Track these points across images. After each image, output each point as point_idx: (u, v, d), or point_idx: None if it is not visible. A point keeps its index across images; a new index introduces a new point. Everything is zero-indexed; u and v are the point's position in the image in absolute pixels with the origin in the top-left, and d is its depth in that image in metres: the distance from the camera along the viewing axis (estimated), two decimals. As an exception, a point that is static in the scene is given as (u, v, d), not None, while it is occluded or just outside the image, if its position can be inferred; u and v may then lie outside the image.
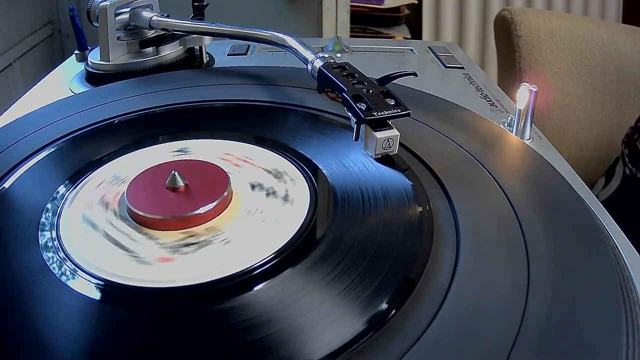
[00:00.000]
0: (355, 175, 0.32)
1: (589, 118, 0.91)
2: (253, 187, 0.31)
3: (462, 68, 0.57)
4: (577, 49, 0.90)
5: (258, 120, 0.39)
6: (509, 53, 0.91)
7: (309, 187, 0.31)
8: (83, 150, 0.36)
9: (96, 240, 0.27)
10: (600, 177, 0.83)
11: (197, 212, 0.28)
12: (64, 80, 0.53)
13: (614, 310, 0.23)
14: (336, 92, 0.35)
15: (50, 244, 0.27)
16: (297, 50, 0.42)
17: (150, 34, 0.53)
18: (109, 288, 0.24)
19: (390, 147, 0.32)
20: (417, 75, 0.38)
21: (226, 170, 0.31)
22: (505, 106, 0.47)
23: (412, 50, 0.63)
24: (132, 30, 0.53)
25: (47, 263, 0.26)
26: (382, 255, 0.25)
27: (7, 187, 0.32)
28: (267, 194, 0.30)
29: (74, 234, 0.28)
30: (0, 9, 1.02)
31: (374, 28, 1.41)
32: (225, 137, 0.36)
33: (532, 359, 0.21)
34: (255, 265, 0.25)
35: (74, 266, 0.26)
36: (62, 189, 0.32)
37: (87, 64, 0.52)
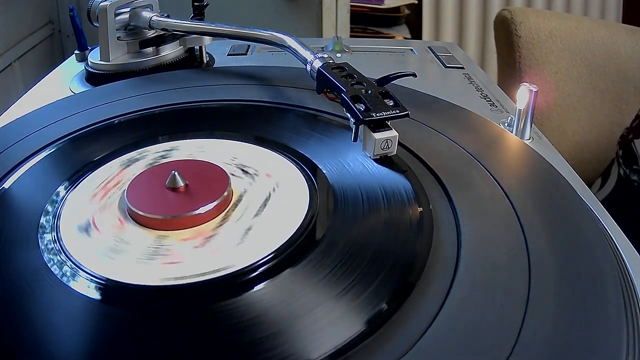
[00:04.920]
0: (355, 175, 0.32)
1: (589, 118, 0.91)
2: (251, 184, 0.31)
3: (462, 68, 0.57)
4: (577, 49, 0.90)
5: (258, 120, 0.39)
6: (509, 53, 0.91)
7: (308, 187, 0.31)
8: (83, 151, 0.36)
9: (96, 240, 0.27)
10: (597, 178, 0.83)
11: (197, 212, 0.28)
12: (64, 80, 0.53)
13: (615, 311, 0.23)
14: (335, 93, 0.35)
15: (50, 245, 0.27)
16: (296, 51, 0.42)
17: (150, 34, 0.53)
18: (108, 288, 0.24)
19: (389, 148, 0.32)
20: (416, 76, 0.38)
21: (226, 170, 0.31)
22: (505, 106, 0.47)
23: (412, 50, 0.63)
24: (132, 30, 0.53)
25: (47, 264, 0.26)
26: (382, 256, 0.25)
27: (7, 187, 0.32)
28: (266, 196, 0.31)
29: (74, 234, 0.28)
30: (0, 9, 1.02)
31: (374, 28, 1.41)
32: (225, 137, 0.36)
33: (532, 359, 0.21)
34: (255, 265, 0.25)
35: (74, 266, 0.26)
36: (62, 189, 0.32)
37: (87, 64, 0.52)
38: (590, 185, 0.82)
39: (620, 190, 0.75)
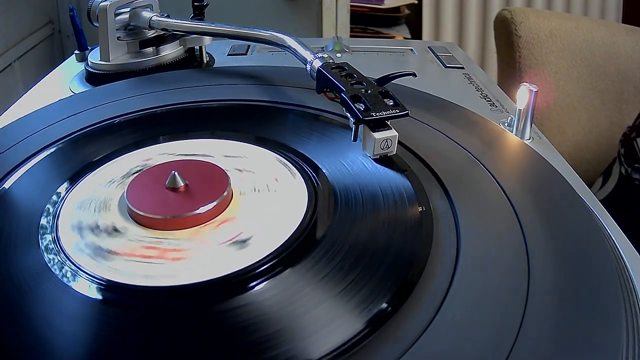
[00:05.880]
0: (355, 175, 0.32)
1: (589, 118, 0.91)
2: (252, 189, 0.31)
3: (462, 68, 0.57)
4: (577, 49, 0.90)
5: (258, 120, 0.39)
6: (509, 53, 0.91)
7: (308, 187, 0.31)
8: (83, 151, 0.36)
9: (96, 240, 0.27)
10: (598, 176, 0.83)
11: (197, 212, 0.28)
12: (64, 80, 0.53)
13: (614, 310, 0.23)
14: (335, 93, 0.35)
15: (50, 245, 0.27)
16: (296, 51, 0.42)
17: (150, 34, 0.53)
18: (108, 288, 0.24)
19: (388, 147, 0.32)
20: (416, 76, 0.38)
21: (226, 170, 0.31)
22: (505, 106, 0.47)
23: (412, 50, 0.63)
24: (132, 30, 0.53)
25: (48, 264, 0.26)
26: (382, 255, 0.25)
27: (7, 187, 0.32)
28: (266, 196, 0.31)
29: (74, 235, 0.28)
30: (0, 9, 1.02)
31: (374, 28, 1.41)
32: (225, 137, 0.36)
33: (532, 359, 0.21)
34: (256, 265, 0.25)
35: (74, 267, 0.26)
36: (62, 190, 0.32)
37: (87, 64, 0.52)
38: (590, 185, 0.82)
39: (621, 188, 0.75)
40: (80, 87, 0.51)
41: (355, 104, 0.32)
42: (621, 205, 0.74)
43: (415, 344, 0.21)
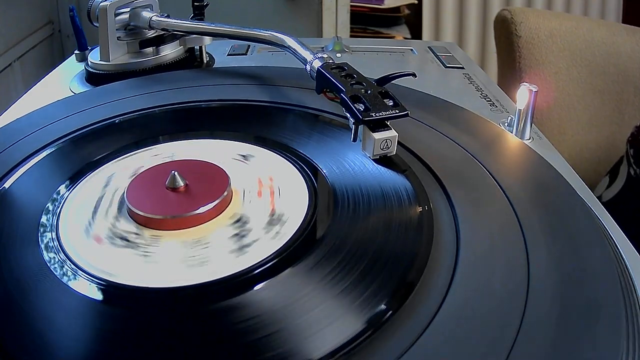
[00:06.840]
0: (355, 175, 0.32)
1: (589, 118, 0.91)
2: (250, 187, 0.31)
3: (462, 68, 0.57)
4: (577, 49, 0.90)
5: (258, 120, 0.39)
6: (509, 53, 0.91)
7: (308, 187, 0.31)
8: (83, 150, 0.36)
9: (96, 240, 0.27)
10: (604, 176, 0.82)
11: (197, 212, 0.28)
12: (64, 80, 0.53)
13: (614, 311, 0.23)
14: (334, 93, 0.35)
15: (50, 245, 0.27)
16: (296, 51, 0.42)
17: (150, 34, 0.53)
18: (108, 288, 0.24)
19: (388, 148, 0.32)
20: (415, 76, 0.38)
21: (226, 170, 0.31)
22: (505, 106, 0.47)
23: (412, 50, 0.63)
24: (132, 30, 0.53)
25: (48, 263, 0.26)
26: (382, 256, 0.25)
27: (7, 187, 0.32)
28: (266, 196, 0.31)
29: (74, 234, 0.28)
30: (0, 9, 1.02)
31: (374, 28, 1.41)
32: (225, 137, 0.36)
33: (532, 359, 0.21)
34: (256, 265, 0.25)
35: (74, 267, 0.26)
36: (62, 189, 0.32)
37: (87, 64, 0.52)
38: (592, 185, 0.82)
39: (629, 190, 0.75)
40: (80, 87, 0.51)
41: (355, 104, 0.32)
42: (629, 207, 0.73)
43: (415, 344, 0.21)
